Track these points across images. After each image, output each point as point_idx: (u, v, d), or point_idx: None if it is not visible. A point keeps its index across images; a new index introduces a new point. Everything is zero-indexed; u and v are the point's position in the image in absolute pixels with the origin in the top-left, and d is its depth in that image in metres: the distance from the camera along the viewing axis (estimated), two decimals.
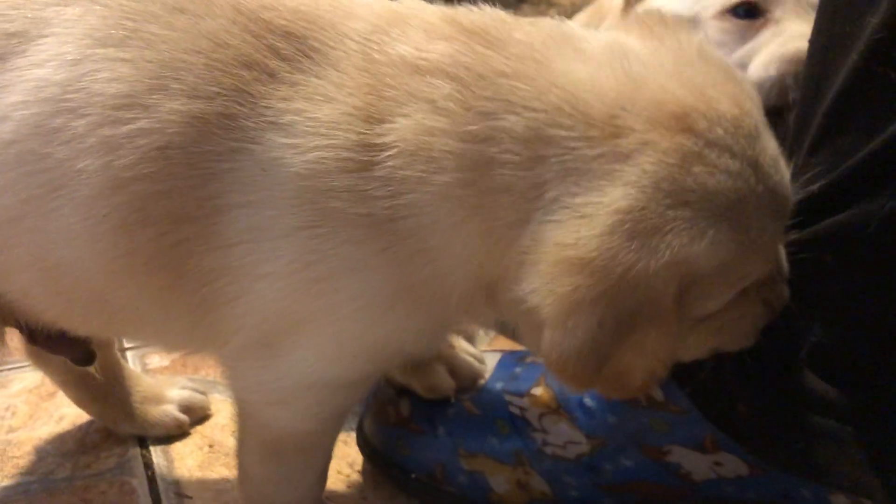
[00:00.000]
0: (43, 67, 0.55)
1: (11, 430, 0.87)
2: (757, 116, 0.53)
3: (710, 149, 0.50)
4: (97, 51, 0.55)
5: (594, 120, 0.51)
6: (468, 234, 0.54)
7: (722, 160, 0.51)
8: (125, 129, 0.54)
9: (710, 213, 0.50)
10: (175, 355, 0.95)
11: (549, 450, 0.73)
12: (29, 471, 0.82)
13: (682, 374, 0.70)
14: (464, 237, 0.54)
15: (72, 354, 0.76)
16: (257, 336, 0.58)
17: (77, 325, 0.65)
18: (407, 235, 0.54)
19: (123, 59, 0.54)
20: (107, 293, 0.59)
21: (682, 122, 0.51)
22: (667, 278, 0.50)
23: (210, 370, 0.93)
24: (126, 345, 0.95)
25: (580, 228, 0.50)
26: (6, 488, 0.80)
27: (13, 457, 0.83)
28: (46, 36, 0.56)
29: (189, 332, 0.61)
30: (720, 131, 0.51)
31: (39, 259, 0.58)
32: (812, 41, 0.71)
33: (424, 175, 0.52)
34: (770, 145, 0.54)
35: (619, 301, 0.49)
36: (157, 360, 0.96)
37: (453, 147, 0.52)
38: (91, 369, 0.81)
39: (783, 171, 0.54)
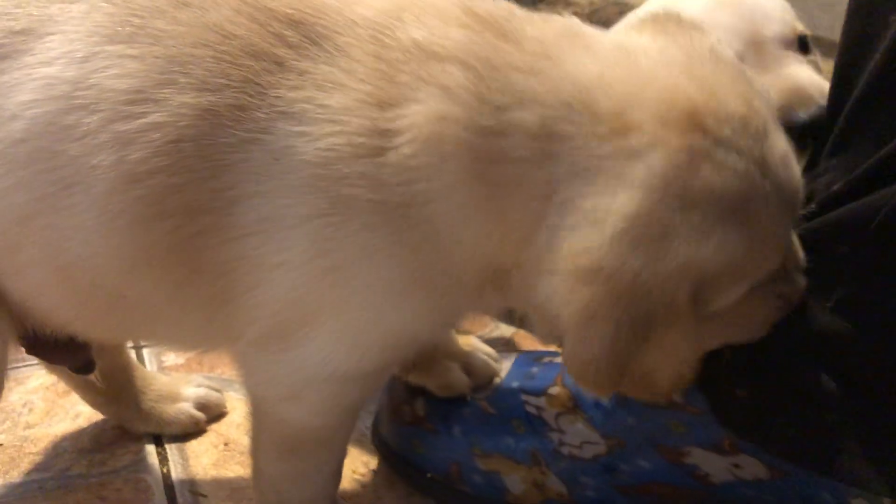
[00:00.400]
0: (52, 65, 0.55)
1: (28, 426, 0.87)
2: (766, 115, 0.54)
3: (719, 148, 0.51)
4: (106, 48, 0.55)
5: (603, 117, 0.51)
6: (480, 225, 0.54)
7: (730, 159, 0.51)
8: (137, 123, 0.54)
9: (716, 214, 0.50)
10: (190, 353, 0.95)
11: (565, 450, 0.73)
12: (45, 467, 0.82)
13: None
14: (475, 228, 0.54)
15: (71, 363, 0.76)
16: (271, 328, 0.58)
17: (89, 326, 0.65)
18: (419, 222, 0.54)
19: (132, 56, 0.55)
20: (122, 290, 0.59)
21: (692, 121, 0.50)
22: (678, 282, 0.50)
23: (226, 368, 0.94)
24: (142, 343, 0.95)
25: (591, 234, 0.50)
26: (23, 484, 0.81)
27: (30, 453, 0.84)
28: (53, 34, 0.56)
29: (204, 327, 0.61)
30: (728, 130, 0.51)
31: (53, 257, 0.58)
32: (840, 42, 0.71)
33: (437, 164, 0.53)
34: (779, 143, 0.54)
35: (633, 308, 0.50)
36: (172, 358, 0.96)
37: (466, 138, 0.52)
38: (92, 377, 0.81)
39: (792, 168, 0.54)
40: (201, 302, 0.58)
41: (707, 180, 0.50)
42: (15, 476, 0.81)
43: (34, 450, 0.84)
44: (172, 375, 0.92)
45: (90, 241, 0.57)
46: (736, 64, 0.55)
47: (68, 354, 0.71)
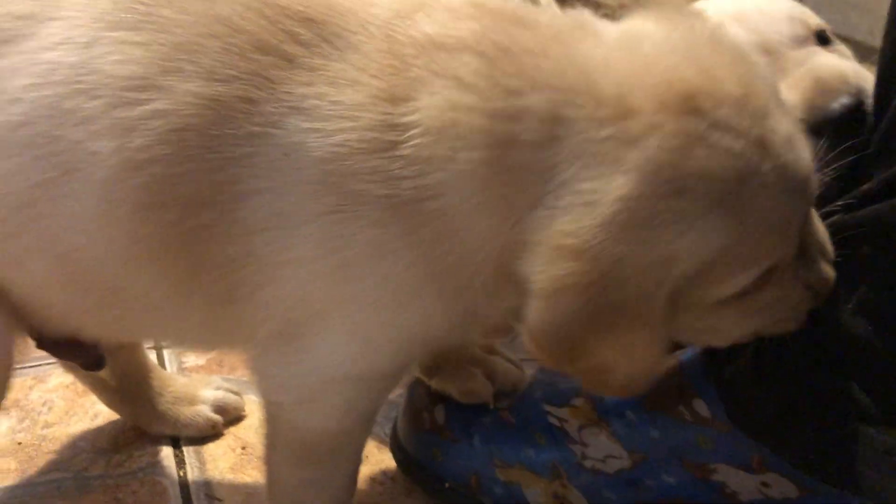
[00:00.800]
0: (55, 50, 0.55)
1: (47, 425, 0.87)
2: (767, 96, 0.52)
3: (714, 130, 0.50)
4: (109, 34, 0.54)
5: (605, 101, 0.51)
6: (492, 215, 0.53)
7: (724, 140, 0.50)
8: (140, 110, 0.53)
9: (708, 200, 0.50)
10: (209, 355, 0.95)
11: (588, 463, 0.71)
12: (62, 467, 0.82)
13: (715, 366, 0.67)
14: (488, 218, 0.53)
15: (80, 359, 0.75)
16: (283, 328, 0.57)
17: (88, 321, 0.64)
18: (433, 217, 0.53)
19: (136, 42, 0.54)
20: (121, 282, 0.58)
21: (689, 104, 0.50)
22: (660, 274, 0.50)
23: (246, 371, 0.93)
24: (162, 343, 0.94)
25: (582, 217, 0.50)
26: (40, 483, 0.81)
27: (47, 452, 0.84)
28: (56, 18, 0.55)
29: (208, 325, 0.60)
30: (725, 112, 0.50)
31: (52, 246, 0.57)
32: (882, 47, 0.69)
33: (451, 153, 0.52)
34: (782, 124, 0.52)
35: (607, 292, 0.50)
36: (192, 359, 0.95)
37: (480, 124, 0.52)
38: (102, 374, 0.80)
39: (798, 149, 0.53)
40: (204, 299, 0.57)
41: (700, 164, 0.49)
42: (33, 475, 0.81)
43: (52, 449, 0.84)
44: (191, 377, 0.91)
45: (88, 230, 0.56)
46: (737, 47, 0.55)
47: (77, 350, 0.70)
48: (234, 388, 0.88)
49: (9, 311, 0.62)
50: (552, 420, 0.73)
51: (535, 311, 0.52)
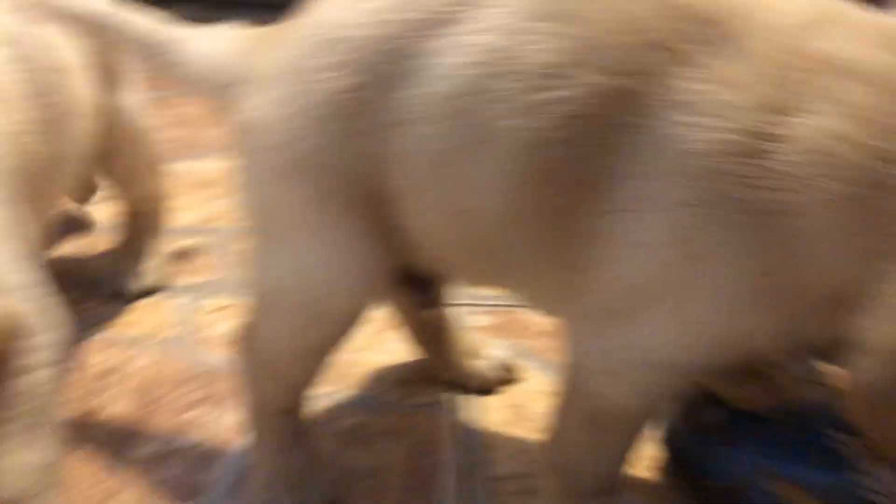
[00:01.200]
0: (484, 34, 0.62)
1: (354, 350, 0.97)
2: None
3: None
4: (531, 24, 0.61)
5: None
6: (842, 252, 0.54)
7: None
8: (547, 95, 0.59)
9: None
10: (500, 319, 1.03)
11: (866, 494, 0.70)
12: (364, 387, 0.95)
13: None
14: (838, 253, 0.54)
15: (417, 298, 0.86)
16: (615, 304, 0.62)
17: (462, 266, 0.72)
18: (785, 234, 0.54)
19: (553, 34, 0.60)
20: (499, 242, 0.65)
21: None
22: None
23: (531, 340, 1.00)
24: (459, 301, 1.04)
25: None
26: (348, 396, 0.94)
27: (354, 374, 0.96)
28: (488, 6, 0.62)
29: (553, 288, 0.66)
30: None
31: (451, 203, 0.65)
32: None
33: (819, 180, 0.53)
34: None
35: None
36: (484, 319, 1.03)
37: (856, 159, 0.52)
38: (423, 316, 0.91)
39: None
40: (558, 266, 0.63)
41: None
42: (342, 388, 0.94)
43: (357, 371, 0.96)
44: (480, 336, 0.99)
45: (484, 195, 0.63)
46: None
47: (417, 289, 0.81)
48: (515, 354, 0.96)
49: (394, 250, 0.71)
50: (833, 442, 0.72)
51: (862, 366, 0.52)
